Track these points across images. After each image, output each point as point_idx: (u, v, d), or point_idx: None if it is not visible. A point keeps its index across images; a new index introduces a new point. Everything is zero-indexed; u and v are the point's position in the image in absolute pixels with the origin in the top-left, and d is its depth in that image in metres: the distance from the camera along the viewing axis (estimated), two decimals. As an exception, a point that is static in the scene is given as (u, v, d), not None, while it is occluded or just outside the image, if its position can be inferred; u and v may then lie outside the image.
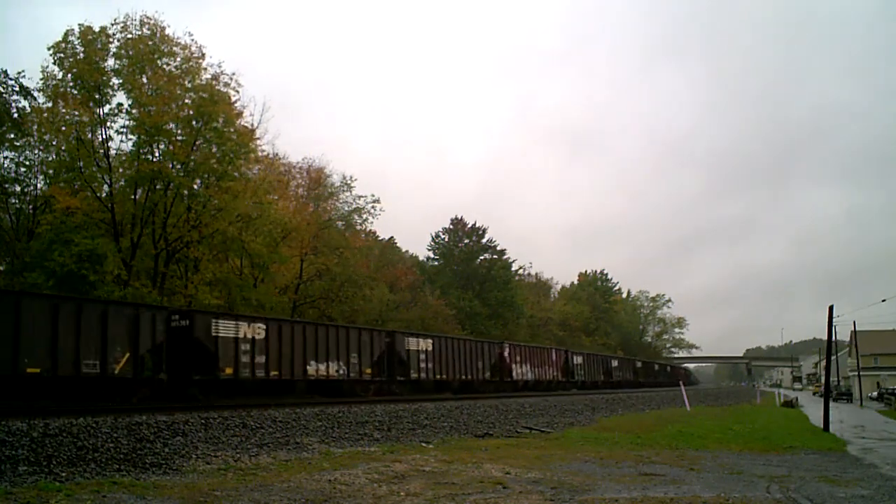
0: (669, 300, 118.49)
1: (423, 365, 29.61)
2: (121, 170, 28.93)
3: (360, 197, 41.73)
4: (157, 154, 28.87)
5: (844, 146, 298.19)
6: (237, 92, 30.03)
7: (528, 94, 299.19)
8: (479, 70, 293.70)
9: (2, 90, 28.78)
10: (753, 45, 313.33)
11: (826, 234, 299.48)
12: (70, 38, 27.63)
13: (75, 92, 27.62)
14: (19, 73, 29.06)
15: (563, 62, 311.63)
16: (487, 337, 44.87)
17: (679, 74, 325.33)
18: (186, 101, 28.91)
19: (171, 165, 28.60)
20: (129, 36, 28.39)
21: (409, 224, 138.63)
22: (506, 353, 37.35)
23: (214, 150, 29.19)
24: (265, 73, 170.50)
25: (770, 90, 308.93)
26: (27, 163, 30.33)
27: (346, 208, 42.13)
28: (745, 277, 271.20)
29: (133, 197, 29.38)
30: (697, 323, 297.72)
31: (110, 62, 28.36)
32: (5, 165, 30.16)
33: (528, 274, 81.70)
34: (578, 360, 49.15)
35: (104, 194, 28.76)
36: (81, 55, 27.50)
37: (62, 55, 27.50)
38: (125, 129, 28.63)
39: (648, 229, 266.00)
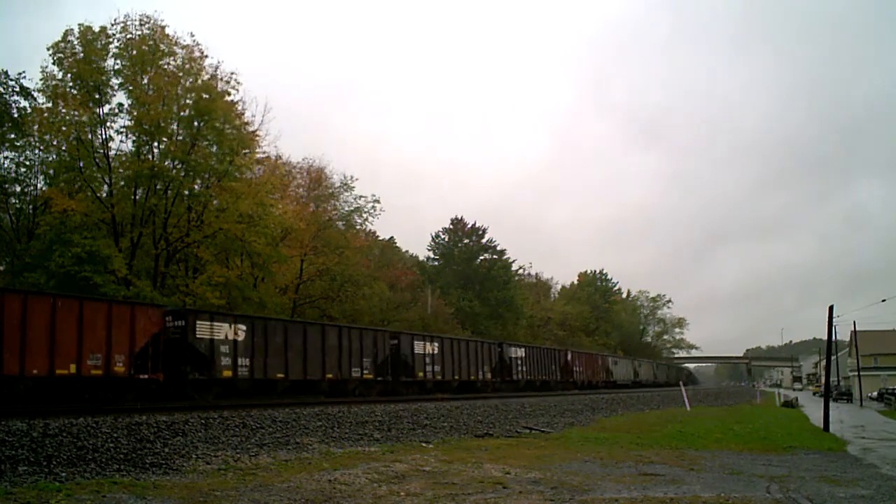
0: (669, 300, 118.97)
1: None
2: (121, 170, 28.92)
3: (360, 197, 41.89)
4: (155, 153, 28.85)
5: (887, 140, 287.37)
6: (236, 90, 30.10)
7: (594, 83, 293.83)
8: (543, 59, 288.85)
9: (2, 90, 28.81)
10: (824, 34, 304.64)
11: (846, 232, 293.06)
12: (69, 38, 27.62)
13: (75, 92, 27.57)
14: (20, 73, 29.13)
15: (628, 55, 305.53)
16: (488, 337, 44.89)
17: (749, 63, 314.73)
18: (187, 101, 28.89)
19: (170, 164, 28.57)
20: (129, 36, 28.37)
21: (436, 223, 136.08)
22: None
23: (215, 149, 29.18)
24: (304, 68, 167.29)
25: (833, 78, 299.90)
26: (27, 163, 30.38)
27: (347, 208, 42.27)
28: (761, 277, 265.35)
29: (133, 197, 29.37)
30: (703, 322, 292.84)
31: (110, 62, 28.37)
32: (5, 165, 30.25)
33: (528, 274, 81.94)
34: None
35: (104, 194, 28.74)
36: (81, 55, 27.46)
37: (62, 55, 27.47)
38: (124, 129, 28.67)
39: (677, 226, 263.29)
